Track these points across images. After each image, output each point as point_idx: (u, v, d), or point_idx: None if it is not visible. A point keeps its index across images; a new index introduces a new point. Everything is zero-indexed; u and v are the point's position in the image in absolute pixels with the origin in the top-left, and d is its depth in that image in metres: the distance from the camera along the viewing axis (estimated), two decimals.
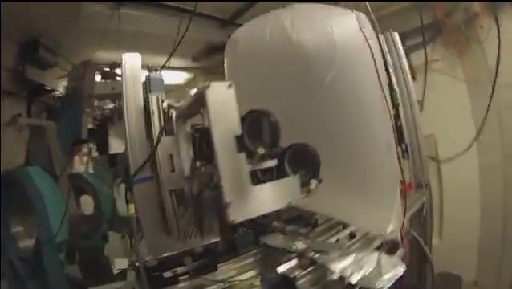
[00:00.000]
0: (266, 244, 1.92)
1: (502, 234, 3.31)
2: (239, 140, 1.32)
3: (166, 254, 1.74)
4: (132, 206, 1.64)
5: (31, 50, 3.08)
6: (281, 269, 1.68)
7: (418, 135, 2.75)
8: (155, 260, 1.69)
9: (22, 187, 2.41)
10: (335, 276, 1.51)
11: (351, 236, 1.98)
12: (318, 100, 1.89)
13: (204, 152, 1.70)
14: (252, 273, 1.86)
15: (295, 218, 2.07)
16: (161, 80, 1.90)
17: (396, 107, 2.65)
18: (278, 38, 1.87)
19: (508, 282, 3.30)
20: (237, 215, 1.26)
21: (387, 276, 1.47)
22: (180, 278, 1.73)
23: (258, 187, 1.35)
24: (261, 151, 1.35)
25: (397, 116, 2.67)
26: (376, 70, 1.84)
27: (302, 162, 1.58)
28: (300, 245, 1.83)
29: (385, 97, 1.87)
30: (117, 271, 2.85)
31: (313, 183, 1.52)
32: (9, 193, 2.45)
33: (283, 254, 1.82)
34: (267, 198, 1.38)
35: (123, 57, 1.86)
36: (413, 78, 3.39)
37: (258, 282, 1.75)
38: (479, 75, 3.28)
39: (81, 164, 3.30)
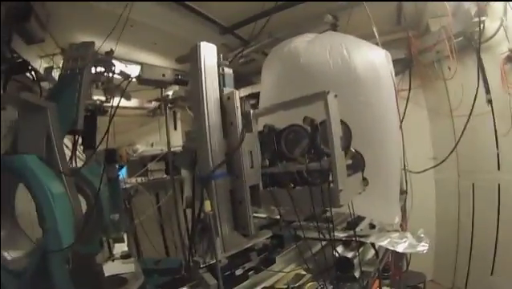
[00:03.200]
0: (305, 237, 2.07)
1: (457, 239, 4.33)
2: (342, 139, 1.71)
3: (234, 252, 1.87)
4: (208, 203, 1.71)
5: (23, 16, 2.87)
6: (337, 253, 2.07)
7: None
8: (226, 259, 1.83)
9: (21, 180, 2.00)
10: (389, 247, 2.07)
11: (372, 226, 2.55)
12: (363, 117, 2.32)
13: (275, 150, 1.88)
14: (293, 265, 2.14)
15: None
16: (232, 75, 2.05)
17: None
18: (337, 60, 2.29)
19: (462, 281, 4.30)
20: (343, 200, 1.64)
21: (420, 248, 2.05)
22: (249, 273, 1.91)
23: (349, 178, 1.75)
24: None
25: None
26: (396, 100, 2.45)
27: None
28: (341, 234, 2.32)
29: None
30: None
31: (366, 181, 1.98)
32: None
33: (316, 246, 2.13)
34: (351, 189, 1.78)
35: (199, 45, 1.91)
36: None
37: (302, 271, 2.05)
38: (439, 106, 4.22)
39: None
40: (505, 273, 3.87)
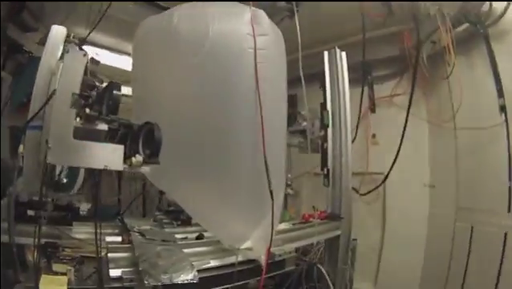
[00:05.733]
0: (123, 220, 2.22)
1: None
2: (75, 97, 1.56)
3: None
4: (21, 146, 1.75)
5: (16, 11, 3.37)
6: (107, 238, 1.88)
7: (343, 163, 2.69)
8: (26, 197, 1.83)
9: None
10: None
11: (198, 237, 2.16)
12: (188, 88, 2.02)
13: None
14: None
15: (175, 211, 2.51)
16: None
17: (325, 128, 2.71)
18: (165, 27, 2.09)
19: None
20: (55, 159, 1.52)
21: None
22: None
23: (77, 142, 1.58)
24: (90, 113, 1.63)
25: (324, 139, 2.71)
26: (255, 69, 1.83)
27: (149, 141, 1.80)
28: (144, 227, 2.13)
29: (260, 102, 1.81)
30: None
31: (138, 157, 1.68)
32: None
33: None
34: (87, 156, 1.61)
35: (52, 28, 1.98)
36: (372, 110, 3.44)
37: None
38: (442, 116, 3.20)
39: None
40: None
